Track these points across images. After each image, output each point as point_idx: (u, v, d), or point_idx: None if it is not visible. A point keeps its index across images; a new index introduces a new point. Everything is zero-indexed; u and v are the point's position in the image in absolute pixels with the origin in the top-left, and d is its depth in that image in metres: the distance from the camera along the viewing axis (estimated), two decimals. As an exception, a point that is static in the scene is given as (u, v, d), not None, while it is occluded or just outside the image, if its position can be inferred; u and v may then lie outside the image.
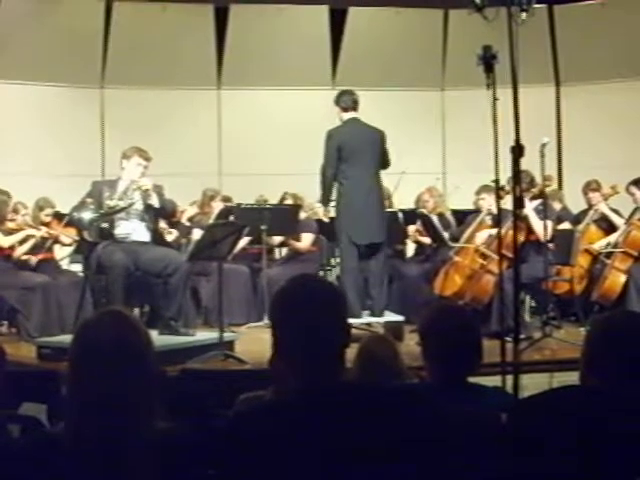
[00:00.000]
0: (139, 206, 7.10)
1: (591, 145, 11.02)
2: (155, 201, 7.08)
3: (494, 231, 7.75)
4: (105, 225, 7.05)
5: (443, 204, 9.29)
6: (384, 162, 7.69)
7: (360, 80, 10.15)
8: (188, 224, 9.23)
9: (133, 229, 7.12)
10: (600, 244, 8.35)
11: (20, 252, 8.14)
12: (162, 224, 8.49)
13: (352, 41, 11.41)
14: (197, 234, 8.50)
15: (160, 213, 7.33)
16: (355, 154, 7.49)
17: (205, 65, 11.35)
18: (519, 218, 5.40)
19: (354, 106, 7.64)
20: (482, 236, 8.05)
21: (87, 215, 6.91)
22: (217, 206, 9.22)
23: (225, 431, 2.27)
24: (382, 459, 2.17)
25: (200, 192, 9.51)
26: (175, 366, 5.63)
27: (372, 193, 7.57)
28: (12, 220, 8.20)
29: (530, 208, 7.48)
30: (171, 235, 8.91)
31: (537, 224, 7.49)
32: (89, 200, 6.97)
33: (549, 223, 7.38)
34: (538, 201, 7.62)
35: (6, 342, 7.08)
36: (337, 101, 7.71)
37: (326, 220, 7.68)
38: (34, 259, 8.24)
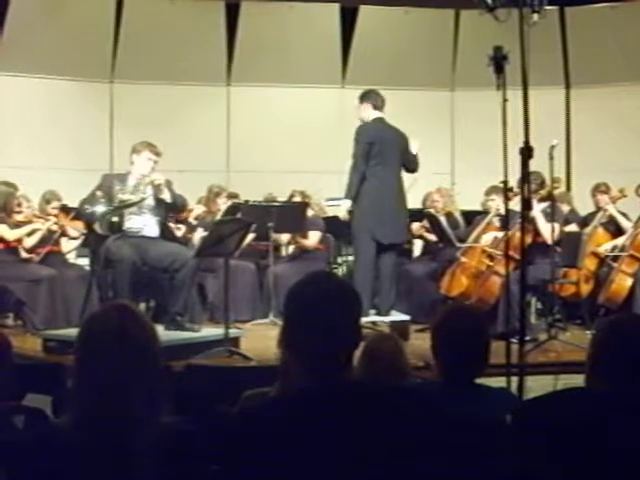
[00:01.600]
0: (151, 201, 7.11)
1: (600, 148, 11.00)
2: (167, 196, 7.09)
3: (500, 234, 7.74)
4: (116, 219, 7.05)
5: (453, 204, 9.29)
6: (415, 165, 7.72)
7: (369, 79, 10.14)
8: (195, 222, 9.24)
9: (144, 224, 7.13)
10: (606, 247, 8.33)
11: (29, 244, 8.16)
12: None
13: (362, 40, 11.41)
14: (200, 233, 8.52)
15: (172, 208, 7.34)
16: (384, 153, 7.48)
17: (215, 61, 11.35)
18: (526, 219, 5.38)
19: (382, 106, 7.65)
20: (487, 238, 8.04)
21: (99, 209, 6.91)
22: (222, 202, 9.24)
23: (230, 427, 2.28)
24: (385, 458, 2.17)
25: (207, 188, 9.53)
26: (180, 361, 5.63)
27: (398, 193, 7.58)
28: (19, 212, 8.22)
29: (538, 210, 7.47)
30: (180, 230, 8.93)
31: (544, 226, 7.48)
32: (99, 193, 6.97)
33: (556, 225, 7.35)
34: (546, 203, 7.61)
35: (12, 334, 7.09)
36: (366, 97, 7.68)
37: (342, 216, 7.60)
38: (36, 258, 8.26)
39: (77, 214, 7.86)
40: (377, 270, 7.64)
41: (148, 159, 7.11)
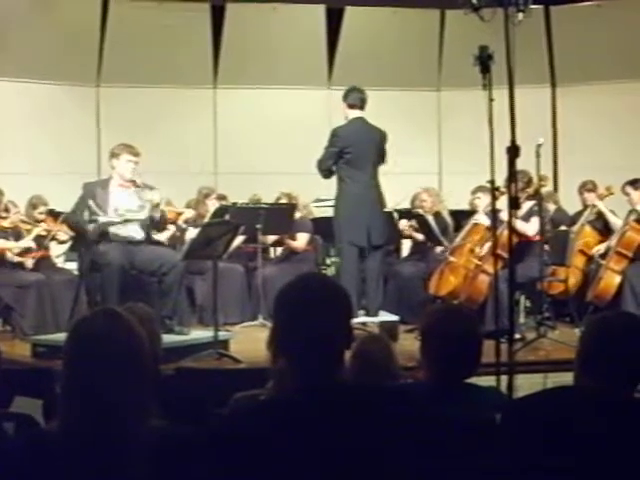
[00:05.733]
0: (142, 216, 7.16)
1: (586, 146, 11.02)
2: (158, 214, 7.15)
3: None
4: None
5: (441, 204, 9.28)
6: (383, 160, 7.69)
7: (356, 80, 10.07)
8: (184, 226, 9.22)
9: (124, 225, 7.15)
10: (599, 249, 8.32)
11: (16, 251, 8.14)
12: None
13: (348, 40, 11.40)
14: (192, 233, 8.50)
15: (156, 225, 7.42)
16: (360, 156, 7.45)
17: (201, 64, 11.33)
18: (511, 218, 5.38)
19: (361, 105, 7.58)
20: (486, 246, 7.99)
21: (102, 218, 7.03)
22: (212, 204, 9.22)
23: (220, 429, 2.27)
24: (376, 459, 2.17)
25: (195, 191, 9.52)
26: (169, 365, 5.61)
27: (375, 195, 7.56)
28: (4, 218, 8.18)
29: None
30: (168, 231, 8.91)
31: (524, 227, 7.47)
32: (92, 203, 7.01)
33: (536, 219, 7.35)
34: (532, 202, 7.62)
35: (1, 340, 7.09)
36: (345, 97, 7.64)
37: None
38: (29, 262, 8.23)
39: (64, 219, 7.85)
40: (364, 272, 7.64)
41: (128, 161, 7.13)
